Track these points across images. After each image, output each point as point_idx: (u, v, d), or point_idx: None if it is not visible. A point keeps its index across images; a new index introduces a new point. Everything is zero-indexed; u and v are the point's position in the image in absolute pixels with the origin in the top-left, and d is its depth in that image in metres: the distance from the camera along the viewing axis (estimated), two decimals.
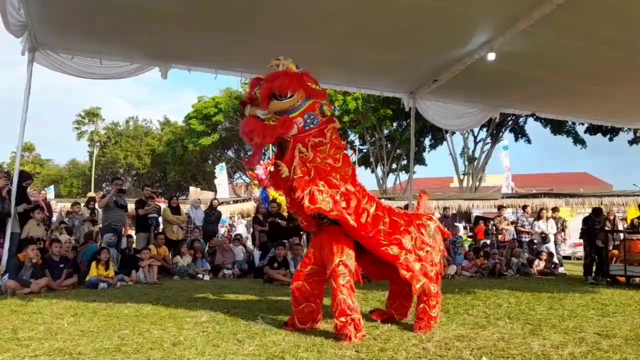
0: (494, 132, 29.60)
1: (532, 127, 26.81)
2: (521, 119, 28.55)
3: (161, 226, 11.74)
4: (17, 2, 6.66)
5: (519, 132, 29.83)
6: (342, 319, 4.45)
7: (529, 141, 29.73)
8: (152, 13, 7.26)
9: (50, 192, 14.67)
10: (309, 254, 4.99)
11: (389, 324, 5.17)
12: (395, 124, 31.11)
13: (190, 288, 8.31)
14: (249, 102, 4.67)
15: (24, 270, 7.58)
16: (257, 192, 17.76)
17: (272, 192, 14.76)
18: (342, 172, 4.68)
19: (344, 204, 4.54)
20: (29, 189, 9.51)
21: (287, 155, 4.51)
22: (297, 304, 4.84)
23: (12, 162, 42.54)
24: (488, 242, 13.22)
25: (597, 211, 11.43)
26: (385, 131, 31.19)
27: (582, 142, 27.20)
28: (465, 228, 19.00)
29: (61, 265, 8.17)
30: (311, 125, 4.55)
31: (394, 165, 32.90)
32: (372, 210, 4.75)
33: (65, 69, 8.57)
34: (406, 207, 10.76)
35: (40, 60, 8.28)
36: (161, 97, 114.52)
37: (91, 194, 20.41)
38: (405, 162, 31.17)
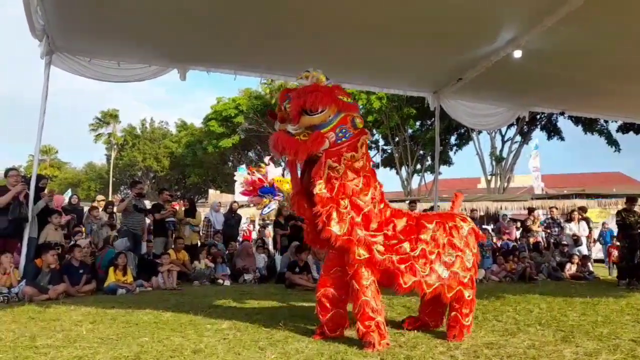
0: (523, 130, 29.06)
1: (563, 125, 26.45)
2: (554, 117, 27.79)
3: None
4: (35, 5, 6.72)
5: (552, 130, 29.09)
6: (367, 322, 4.31)
7: (562, 139, 28.95)
8: (170, 15, 7.25)
9: (67, 196, 14.73)
10: (330, 255, 4.83)
11: (415, 331, 5.02)
12: (419, 123, 30.79)
13: (210, 294, 8.25)
14: (279, 118, 4.56)
15: (42, 276, 7.55)
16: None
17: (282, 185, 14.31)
18: (374, 185, 4.59)
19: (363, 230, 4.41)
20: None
21: (316, 170, 4.40)
22: (326, 311, 4.66)
23: (29, 165, 42.82)
24: (517, 244, 12.92)
25: (630, 199, 10.98)
26: (409, 131, 30.93)
27: (615, 144, 26.40)
28: (493, 230, 18.70)
29: (80, 271, 8.10)
30: (343, 139, 4.45)
31: (419, 166, 32.60)
32: (399, 226, 4.65)
33: (83, 72, 8.62)
34: (431, 209, 10.61)
35: (57, 63, 8.33)
36: (179, 99, 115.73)
37: (117, 197, 20.49)
38: (430, 162, 30.83)
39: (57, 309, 6.29)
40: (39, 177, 8.67)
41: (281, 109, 4.53)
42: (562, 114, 18.38)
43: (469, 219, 5.20)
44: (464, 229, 4.93)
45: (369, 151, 4.82)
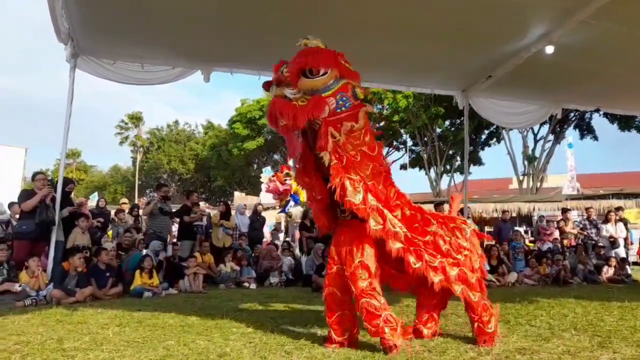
0: (556, 129, 28.43)
1: (598, 123, 25.82)
2: (587, 115, 27.08)
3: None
4: (60, 8, 6.78)
5: (585, 129, 28.37)
6: (374, 322, 4.13)
7: (595, 138, 28.22)
8: (193, 16, 7.27)
9: (94, 200, 14.79)
10: (331, 253, 4.59)
11: (442, 337, 4.86)
12: (448, 123, 30.38)
13: (236, 297, 8.22)
14: (275, 83, 4.37)
15: (69, 279, 7.64)
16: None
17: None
18: (377, 162, 4.36)
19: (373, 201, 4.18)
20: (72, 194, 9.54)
21: (320, 141, 4.16)
22: (331, 313, 4.48)
23: (56, 169, 43.37)
24: (551, 246, 12.59)
25: None
26: (438, 130, 30.55)
27: None
28: (526, 232, 18.32)
29: (107, 274, 8.16)
30: (343, 108, 4.22)
31: (448, 166, 32.17)
32: (406, 211, 4.41)
33: (107, 75, 8.68)
34: (461, 211, 10.37)
35: (82, 66, 8.40)
36: (204, 101, 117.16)
37: (142, 200, 20.70)
38: (459, 162, 30.38)
39: (84, 312, 6.34)
40: (66, 181, 8.75)
41: (278, 75, 4.34)
42: (597, 110, 17.96)
43: (469, 222, 4.99)
44: (466, 230, 4.69)
45: (380, 142, 4.57)
